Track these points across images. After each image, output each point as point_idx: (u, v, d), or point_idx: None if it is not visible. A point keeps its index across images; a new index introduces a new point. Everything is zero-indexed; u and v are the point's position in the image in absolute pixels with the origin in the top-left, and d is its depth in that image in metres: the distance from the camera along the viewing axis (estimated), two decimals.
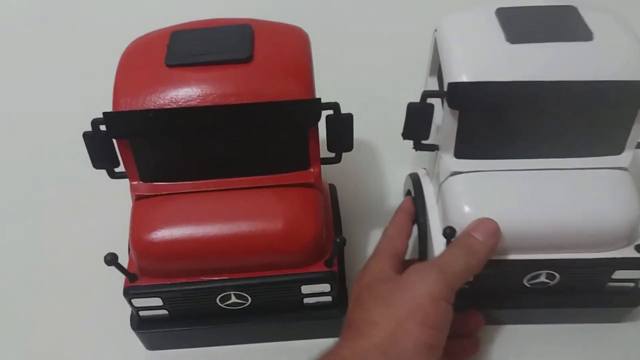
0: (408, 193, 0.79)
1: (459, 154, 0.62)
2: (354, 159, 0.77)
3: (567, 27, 0.60)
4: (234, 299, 0.62)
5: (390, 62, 1.06)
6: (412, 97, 0.74)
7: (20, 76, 1.11)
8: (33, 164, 0.94)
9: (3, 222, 0.85)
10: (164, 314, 0.64)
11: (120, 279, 0.62)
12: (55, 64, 1.12)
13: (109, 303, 0.71)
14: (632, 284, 0.64)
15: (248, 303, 0.62)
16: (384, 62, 1.06)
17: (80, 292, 0.75)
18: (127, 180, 0.62)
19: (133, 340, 0.67)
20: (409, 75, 0.83)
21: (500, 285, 0.64)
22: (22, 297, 0.76)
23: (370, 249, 0.76)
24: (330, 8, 1.20)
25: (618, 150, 0.62)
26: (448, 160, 0.62)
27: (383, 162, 0.90)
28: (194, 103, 0.56)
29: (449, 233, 0.59)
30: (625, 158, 0.62)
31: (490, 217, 0.59)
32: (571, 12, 0.61)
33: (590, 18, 0.61)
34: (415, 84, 0.82)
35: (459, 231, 0.59)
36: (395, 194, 0.85)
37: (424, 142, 0.64)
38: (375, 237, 0.79)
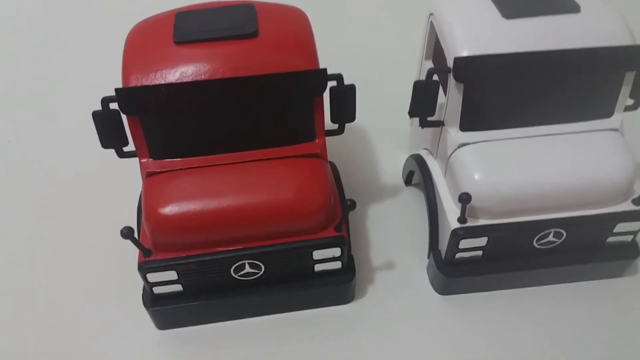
0: (409, 174, 0.81)
1: (464, 126, 0.64)
2: (348, 139, 0.79)
3: (555, 1, 0.62)
4: (247, 269, 0.62)
5: (379, 48, 1.07)
6: (401, 82, 0.76)
7: (14, 63, 1.10)
8: (40, 151, 0.92)
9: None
10: (178, 290, 0.63)
11: (125, 265, 0.63)
12: (50, 51, 1.11)
13: (116, 286, 0.71)
14: (630, 237, 0.66)
15: (261, 272, 0.63)
16: (372, 47, 1.08)
17: (87, 277, 0.73)
18: (129, 163, 0.63)
19: (143, 323, 0.67)
20: (397, 62, 0.85)
21: (512, 248, 0.65)
22: (25, 282, 0.74)
23: (368, 223, 0.79)
24: None
25: (609, 113, 0.65)
26: (454, 134, 0.65)
27: (375, 142, 0.91)
28: (204, 77, 0.57)
29: (465, 199, 0.60)
30: (615, 120, 0.65)
31: (500, 183, 0.61)
32: None
33: None
34: (403, 70, 0.84)
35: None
36: (389, 173, 0.86)
37: (429, 118, 0.66)
38: (372, 212, 0.80)
